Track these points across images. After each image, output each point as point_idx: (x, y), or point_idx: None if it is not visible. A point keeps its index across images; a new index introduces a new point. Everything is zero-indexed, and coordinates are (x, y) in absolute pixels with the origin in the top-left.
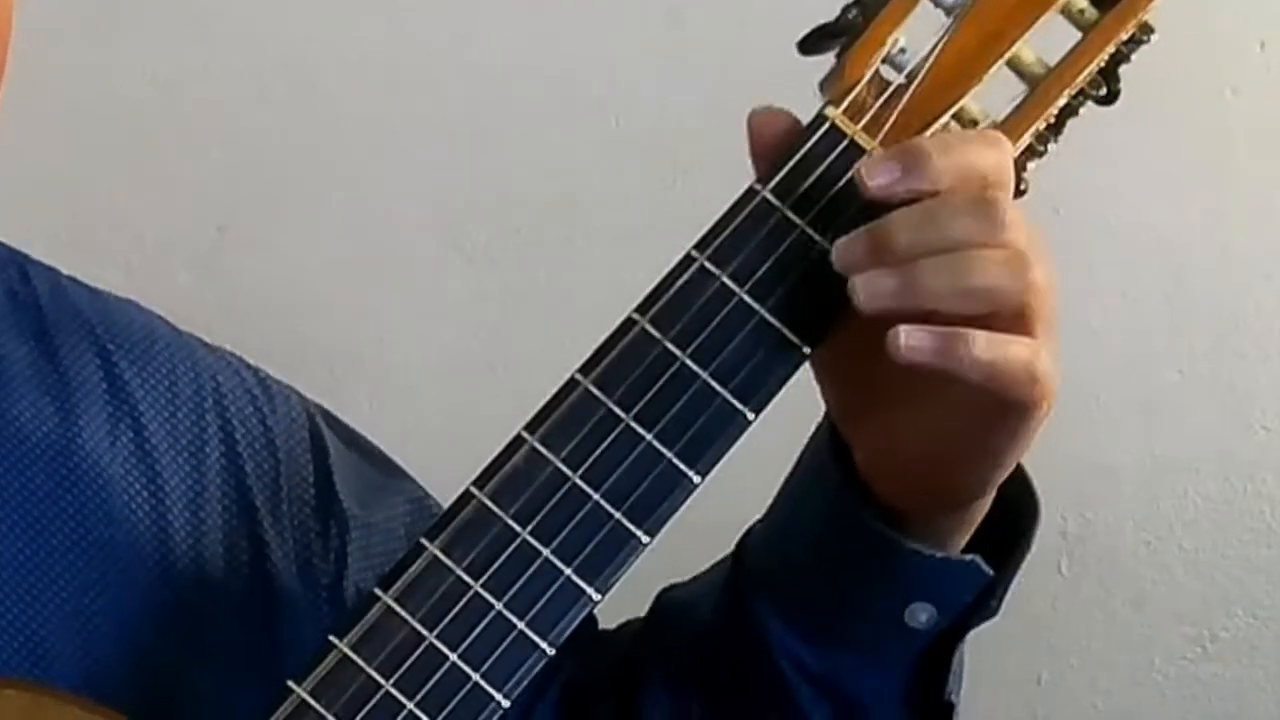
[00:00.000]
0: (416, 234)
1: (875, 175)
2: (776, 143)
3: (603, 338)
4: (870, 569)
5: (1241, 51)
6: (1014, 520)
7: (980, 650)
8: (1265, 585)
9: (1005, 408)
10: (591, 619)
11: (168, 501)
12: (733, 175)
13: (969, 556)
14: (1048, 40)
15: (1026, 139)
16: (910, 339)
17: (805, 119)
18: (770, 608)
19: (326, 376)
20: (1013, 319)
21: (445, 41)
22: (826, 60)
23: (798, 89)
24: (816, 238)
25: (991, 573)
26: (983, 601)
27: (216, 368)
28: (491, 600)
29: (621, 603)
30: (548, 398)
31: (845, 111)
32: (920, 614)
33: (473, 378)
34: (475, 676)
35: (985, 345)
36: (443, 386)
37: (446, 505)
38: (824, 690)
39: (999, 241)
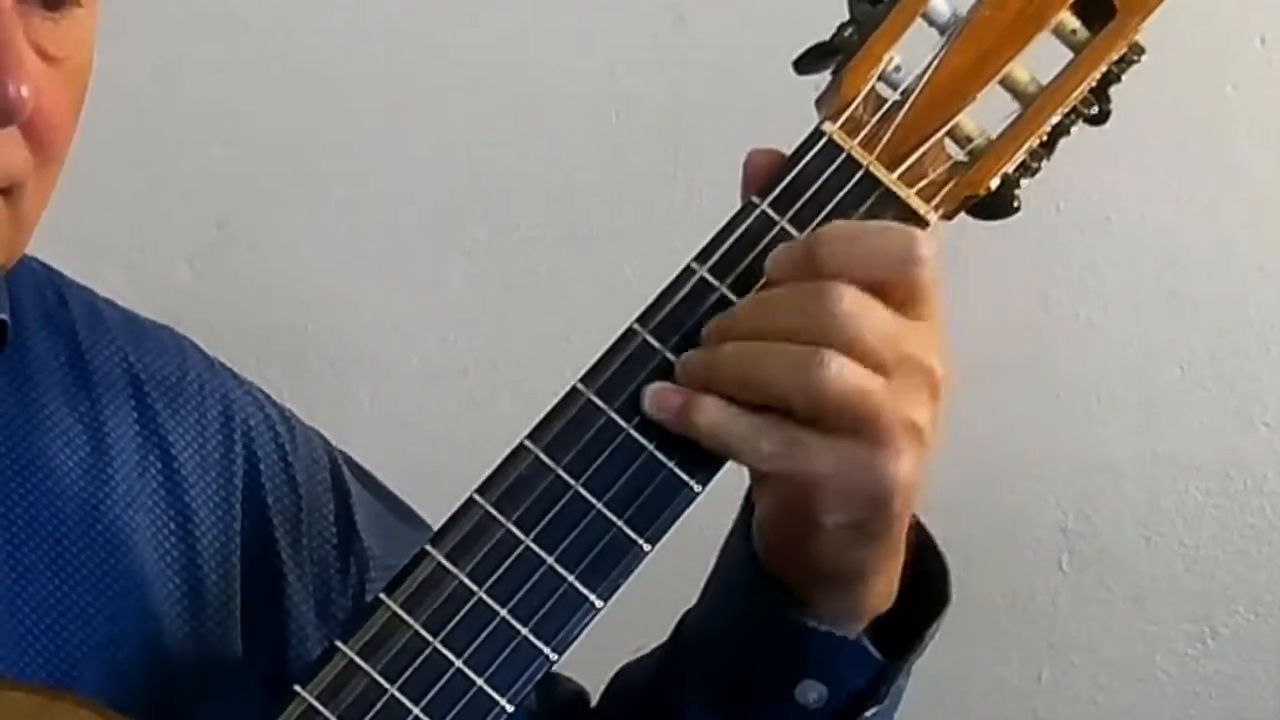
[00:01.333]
0: (417, 230)
1: (776, 263)
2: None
3: (604, 346)
4: (767, 644)
5: (1242, 47)
6: (919, 612)
7: (981, 647)
8: (1266, 581)
9: (804, 492)
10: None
11: (196, 533)
12: (732, 173)
13: (853, 636)
14: (1040, 60)
15: (1020, 156)
16: (655, 397)
17: (805, 121)
18: (688, 686)
19: (327, 372)
20: (806, 412)
21: (446, 38)
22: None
23: (798, 87)
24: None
25: (879, 657)
26: (873, 687)
27: (244, 401)
28: (495, 606)
29: (630, 616)
30: (550, 407)
31: (842, 127)
32: (809, 692)
33: (473, 373)
34: (480, 682)
35: (711, 415)
36: (443, 382)
37: (449, 514)
38: None
39: (812, 336)
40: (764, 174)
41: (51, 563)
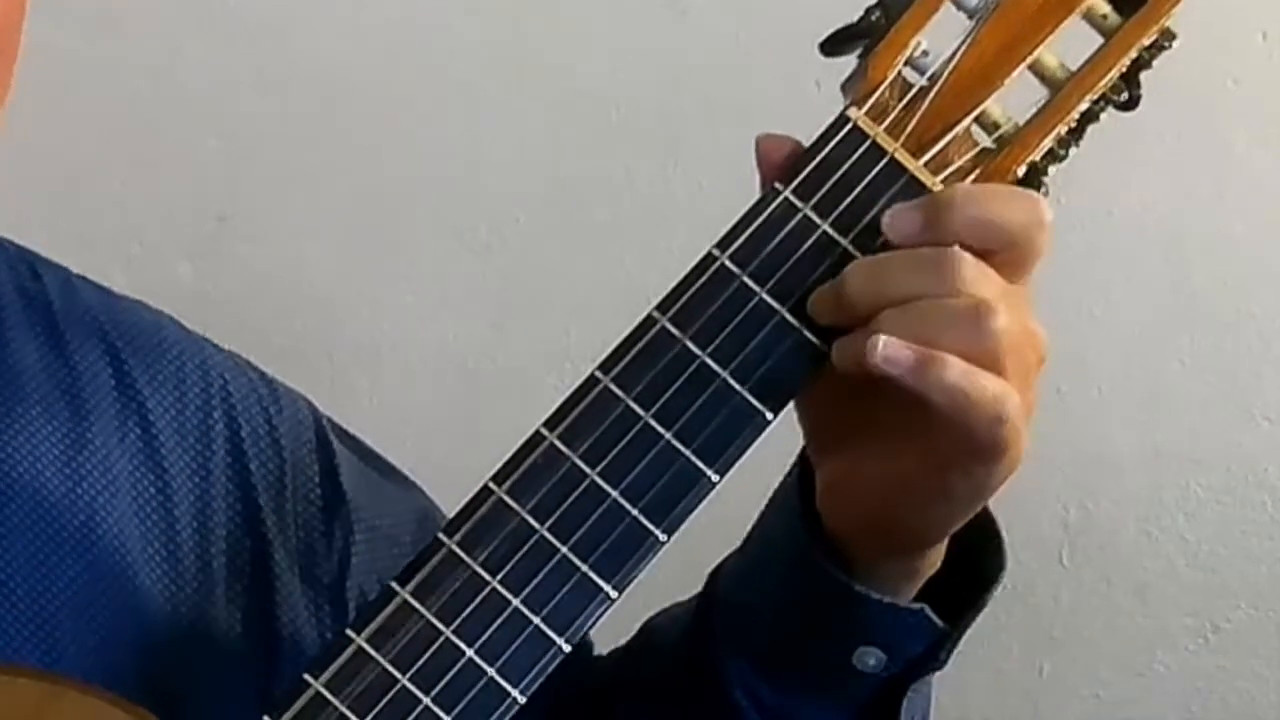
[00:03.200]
0: (417, 224)
1: (897, 224)
2: (784, 163)
3: (622, 335)
4: (820, 609)
5: (1243, 42)
6: (976, 579)
7: (982, 641)
8: (1267, 576)
9: (967, 449)
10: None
11: (175, 499)
12: (733, 168)
13: (917, 605)
14: (1070, 45)
15: (1048, 143)
16: (887, 349)
17: (805, 115)
18: (728, 640)
19: (327, 366)
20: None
21: (445, 32)
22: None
23: (799, 82)
24: (839, 238)
25: (941, 624)
26: (932, 652)
27: (224, 367)
28: (509, 596)
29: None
30: (567, 394)
31: (868, 113)
32: (868, 658)
33: (473, 368)
34: (491, 672)
35: (959, 372)
36: (443, 376)
37: (464, 501)
38: None
39: (954, 293)
40: (781, 160)
41: (30, 529)
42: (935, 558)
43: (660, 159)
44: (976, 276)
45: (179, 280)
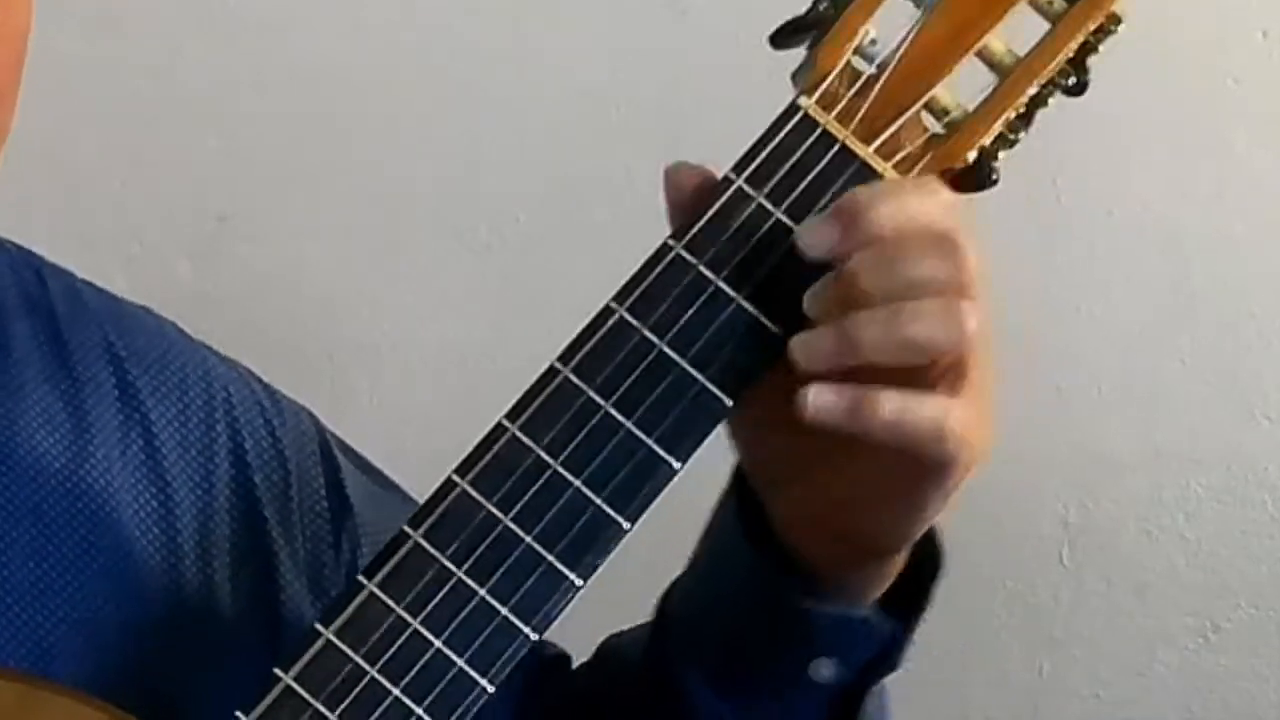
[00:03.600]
0: (417, 223)
1: (814, 244)
2: (696, 193)
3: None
4: (773, 626)
5: (1243, 40)
6: (919, 573)
7: (981, 641)
8: (1267, 576)
9: (919, 465)
10: (558, 659)
11: (177, 510)
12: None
13: (865, 613)
14: (1018, 32)
15: (997, 128)
16: (818, 399)
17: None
18: (686, 661)
19: (327, 365)
20: (948, 371)
21: (446, 31)
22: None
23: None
24: (791, 225)
25: (889, 626)
26: (885, 654)
27: (228, 378)
28: (475, 587)
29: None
30: (528, 385)
31: (818, 101)
32: (823, 669)
33: (473, 367)
34: (460, 662)
35: (893, 406)
36: (443, 376)
37: (428, 494)
38: None
39: (942, 288)
40: (692, 188)
41: (31, 541)
42: (902, 558)
43: (661, 159)
44: (974, 263)
45: (179, 280)
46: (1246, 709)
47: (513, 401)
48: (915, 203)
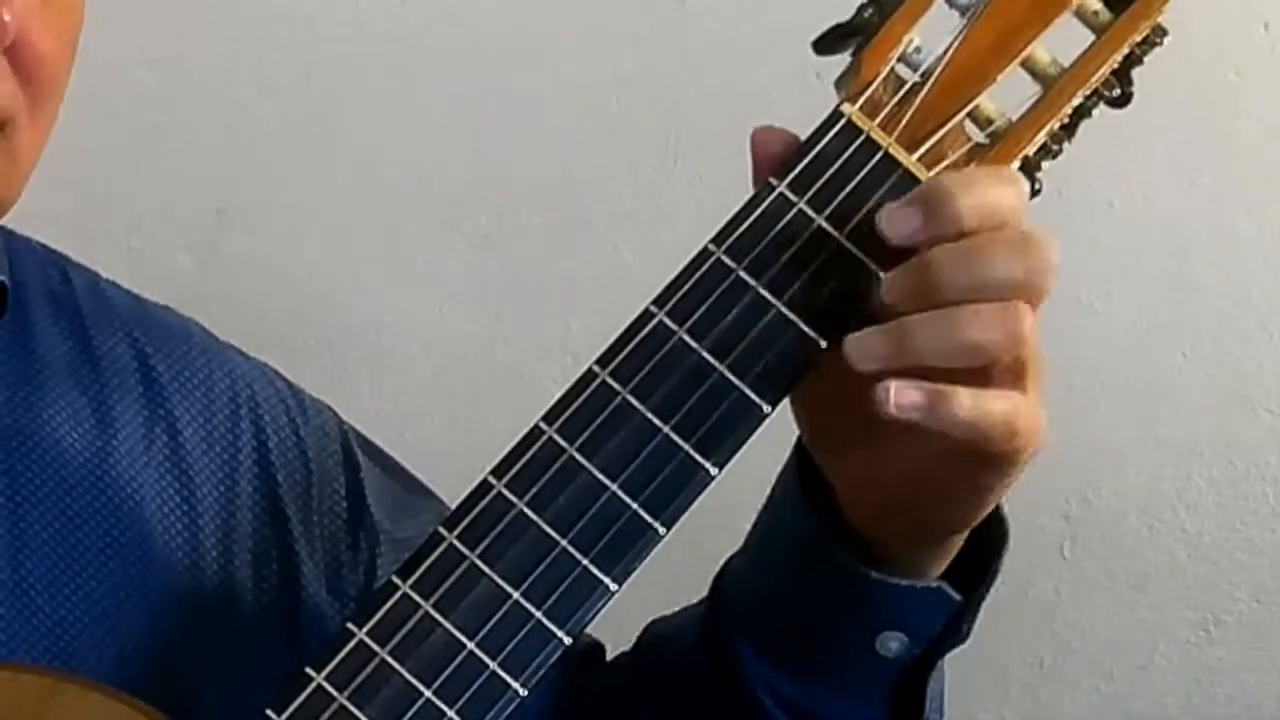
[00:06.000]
0: (416, 215)
1: (897, 225)
2: (778, 158)
3: (619, 330)
4: (839, 600)
5: (1246, 34)
6: (982, 545)
7: (983, 635)
8: (1269, 569)
9: (986, 457)
10: (593, 649)
11: (200, 506)
12: (733, 158)
13: (935, 584)
14: (1062, 41)
15: (1041, 138)
16: (899, 397)
17: (807, 107)
18: (745, 641)
19: (326, 358)
20: (1003, 371)
21: (445, 23)
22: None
23: (800, 72)
24: (833, 232)
25: (959, 598)
26: (953, 627)
27: (252, 375)
28: (509, 589)
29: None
30: (565, 389)
31: (862, 109)
32: (891, 642)
33: (472, 359)
34: (493, 665)
35: (969, 404)
36: (442, 367)
37: (464, 495)
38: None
39: (1034, 288)
40: (774, 153)
41: (55, 534)
42: (963, 536)
43: (661, 151)
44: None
45: (179, 272)
46: (1248, 702)
47: (550, 404)
48: (997, 194)
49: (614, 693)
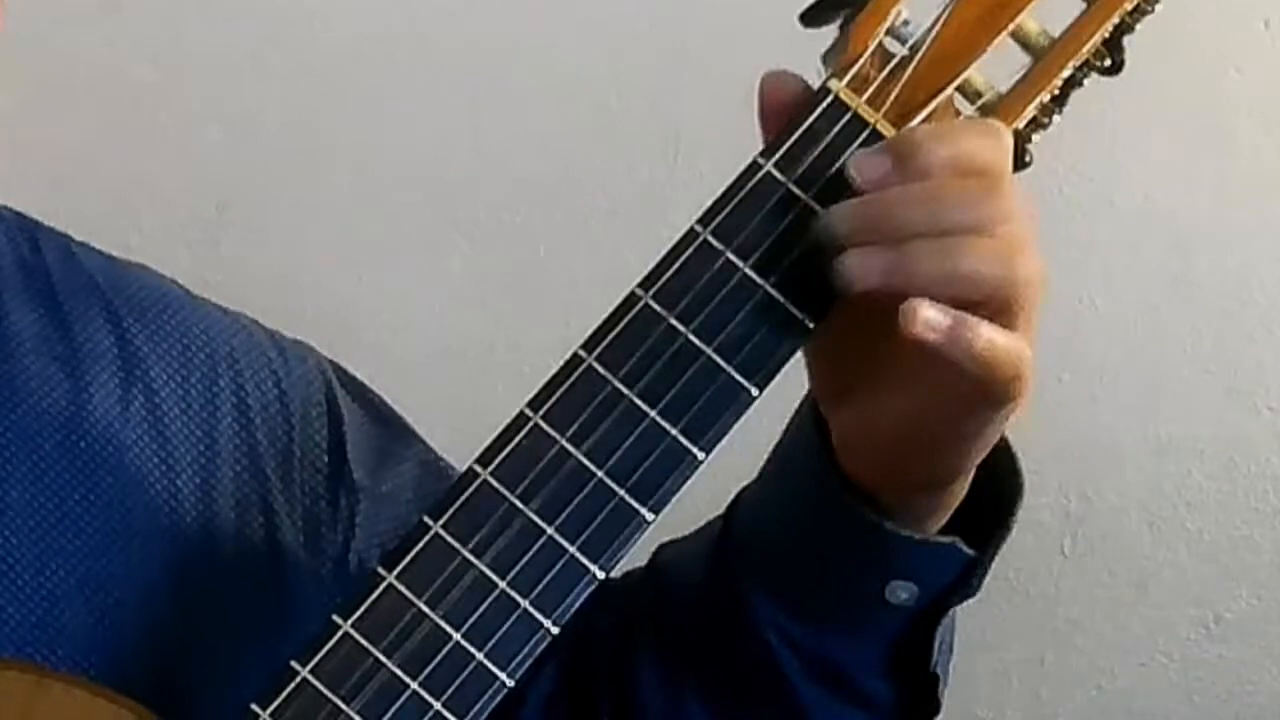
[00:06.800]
0: (416, 212)
1: (865, 170)
2: (787, 106)
3: (605, 314)
4: (851, 548)
5: (1246, 30)
6: (998, 500)
7: (984, 632)
8: (1269, 566)
9: (982, 397)
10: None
11: (179, 466)
12: (732, 154)
13: (949, 539)
14: (1051, 11)
15: (1031, 111)
16: (927, 315)
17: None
18: (755, 581)
19: (326, 355)
20: (996, 310)
21: (445, 20)
22: (827, 34)
23: (800, 68)
24: (821, 212)
25: (972, 553)
26: (964, 580)
27: (231, 331)
28: (495, 579)
29: None
30: (551, 374)
31: (849, 85)
32: (900, 591)
33: (473, 356)
34: (479, 656)
35: (986, 335)
36: (443, 365)
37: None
38: (810, 661)
39: (992, 230)
40: (783, 101)
41: (31, 502)
42: (961, 488)
43: (661, 147)
44: (1013, 211)
45: (178, 268)
46: (1249, 699)
47: (535, 390)
48: (971, 145)
49: (613, 627)
